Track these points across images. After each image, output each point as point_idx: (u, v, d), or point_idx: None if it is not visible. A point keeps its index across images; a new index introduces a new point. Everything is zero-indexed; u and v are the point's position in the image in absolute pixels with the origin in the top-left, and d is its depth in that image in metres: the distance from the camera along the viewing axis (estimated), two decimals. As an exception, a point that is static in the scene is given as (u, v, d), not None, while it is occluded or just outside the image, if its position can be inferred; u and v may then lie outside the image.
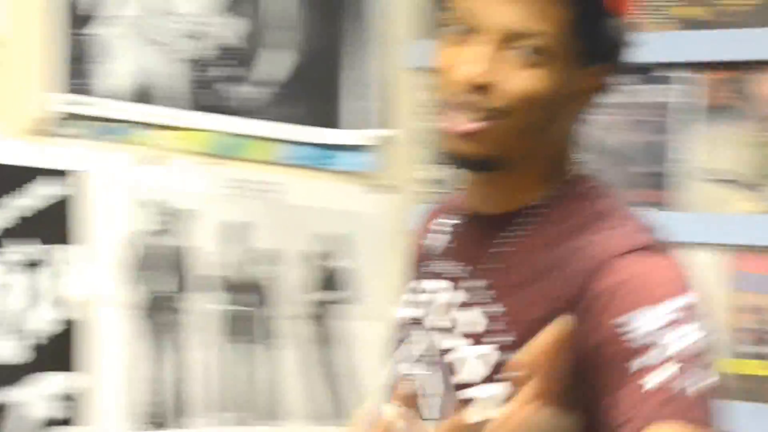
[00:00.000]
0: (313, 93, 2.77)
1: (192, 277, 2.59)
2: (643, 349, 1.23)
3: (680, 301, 1.26)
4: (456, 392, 1.38)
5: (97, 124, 2.52)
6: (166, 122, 2.60)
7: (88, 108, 2.49)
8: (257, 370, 2.66)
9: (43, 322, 2.40)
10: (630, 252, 1.30)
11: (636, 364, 1.23)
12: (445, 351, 1.40)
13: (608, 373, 1.25)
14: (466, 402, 1.34)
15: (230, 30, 2.66)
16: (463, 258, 1.43)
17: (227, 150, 2.67)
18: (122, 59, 2.55)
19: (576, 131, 1.42)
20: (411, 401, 1.42)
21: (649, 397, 1.20)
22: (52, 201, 2.42)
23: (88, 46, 2.50)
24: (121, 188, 2.52)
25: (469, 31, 1.33)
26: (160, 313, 2.55)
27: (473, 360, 1.36)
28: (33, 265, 2.39)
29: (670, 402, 1.20)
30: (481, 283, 1.39)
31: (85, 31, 2.50)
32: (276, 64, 2.74)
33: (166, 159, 2.59)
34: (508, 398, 1.26)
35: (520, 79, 1.31)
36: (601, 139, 2.60)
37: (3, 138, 2.37)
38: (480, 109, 1.32)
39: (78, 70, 2.49)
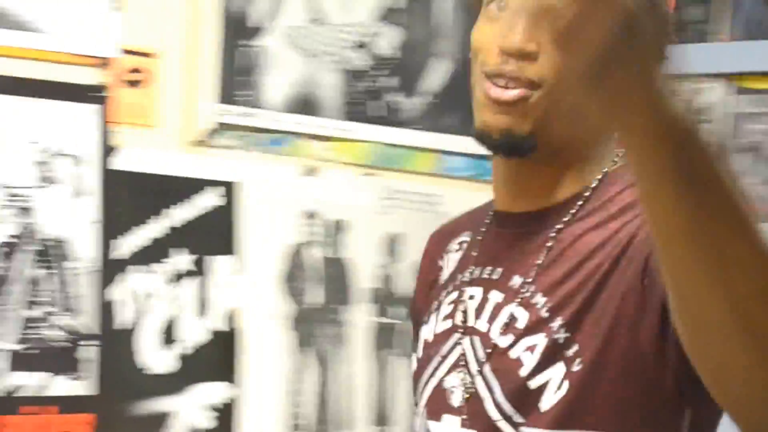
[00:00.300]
0: (470, 103, 2.73)
1: (346, 289, 2.59)
2: None
3: None
4: (506, 393, 1.34)
5: (257, 135, 2.53)
6: (324, 133, 2.60)
7: (248, 119, 2.51)
8: (401, 384, 2.65)
9: (200, 332, 2.42)
10: None
11: None
12: (490, 351, 1.36)
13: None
14: (528, 393, 1.31)
15: (387, 40, 2.65)
16: (493, 261, 1.41)
17: (384, 161, 2.66)
18: (282, 70, 2.55)
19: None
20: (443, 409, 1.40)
21: None
22: (211, 211, 2.44)
23: (248, 57, 2.51)
24: (278, 199, 2.53)
25: (503, 8, 1.32)
26: (313, 324, 2.56)
27: (523, 353, 1.33)
28: (191, 274, 2.42)
29: None
30: (518, 280, 1.36)
31: (246, 42, 2.51)
32: (433, 73, 2.71)
33: (323, 170, 2.59)
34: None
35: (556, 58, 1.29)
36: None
37: (166, 149, 2.40)
38: (523, 78, 1.30)
39: (239, 82, 2.50)
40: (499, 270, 1.39)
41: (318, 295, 2.57)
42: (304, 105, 2.58)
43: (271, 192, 2.52)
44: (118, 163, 2.35)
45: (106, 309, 2.33)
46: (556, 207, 1.37)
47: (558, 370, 1.30)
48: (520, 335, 1.33)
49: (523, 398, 1.31)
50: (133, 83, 2.39)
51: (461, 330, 1.40)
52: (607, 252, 1.30)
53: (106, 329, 2.31)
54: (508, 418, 1.32)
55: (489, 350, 1.35)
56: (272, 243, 2.52)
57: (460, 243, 1.50)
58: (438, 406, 1.40)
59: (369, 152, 2.65)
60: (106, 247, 2.33)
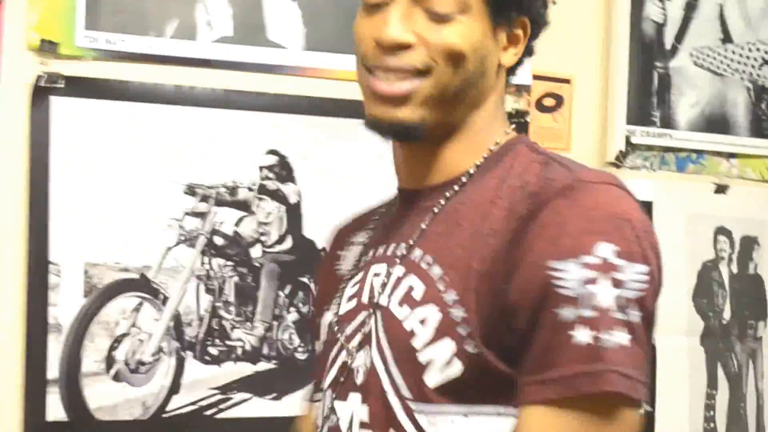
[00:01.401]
0: None
1: (757, 305, 2.58)
2: (575, 299, 1.19)
3: (612, 247, 1.20)
4: (398, 364, 1.30)
5: (666, 154, 2.57)
6: (733, 150, 2.61)
7: (659, 139, 2.55)
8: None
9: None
10: (568, 188, 1.23)
11: (566, 312, 1.19)
12: (387, 324, 1.33)
13: (535, 313, 1.21)
14: (416, 367, 1.28)
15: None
16: (396, 237, 1.38)
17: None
18: (691, 90, 2.59)
19: (504, 102, 1.40)
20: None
21: (576, 350, 1.18)
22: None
23: (658, 78, 2.56)
24: (689, 217, 2.56)
25: (379, 2, 1.32)
26: (724, 340, 2.56)
27: (416, 325, 1.29)
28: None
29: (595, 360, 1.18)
30: (418, 252, 1.33)
31: (656, 64, 2.56)
32: None
33: (733, 187, 2.60)
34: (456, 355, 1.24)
35: (439, 35, 1.29)
36: None
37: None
38: (405, 70, 1.30)
39: (649, 103, 2.55)
40: (402, 245, 1.36)
41: (727, 312, 2.58)
42: (713, 123, 2.60)
43: (682, 210, 2.56)
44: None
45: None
46: (451, 180, 1.36)
47: (447, 345, 1.27)
48: (415, 306, 1.30)
49: (414, 371, 1.28)
50: (548, 108, 2.49)
51: (369, 309, 1.37)
52: (485, 213, 1.30)
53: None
54: (397, 391, 1.30)
55: (388, 324, 1.33)
56: (683, 260, 2.55)
57: (368, 232, 1.51)
58: (345, 385, 1.37)
59: (777, 168, 2.64)
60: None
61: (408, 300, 1.31)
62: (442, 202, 1.35)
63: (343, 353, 1.38)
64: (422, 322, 1.28)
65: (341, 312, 1.42)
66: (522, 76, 2.44)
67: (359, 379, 1.35)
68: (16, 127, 2.10)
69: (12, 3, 2.09)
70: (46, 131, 2.10)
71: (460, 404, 1.27)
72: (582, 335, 1.18)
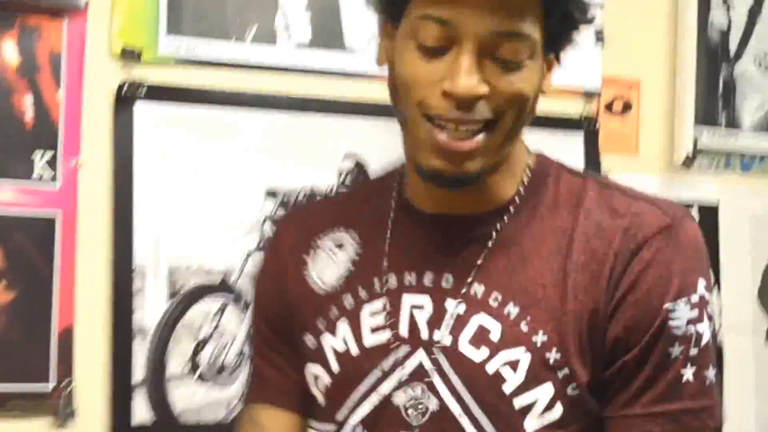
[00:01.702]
0: None
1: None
2: (685, 338, 1.23)
3: (704, 282, 1.26)
4: (485, 410, 1.25)
5: (733, 156, 2.59)
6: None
7: (725, 141, 2.57)
8: None
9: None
10: (666, 228, 1.26)
11: (676, 351, 1.23)
12: (460, 366, 1.26)
13: (645, 352, 1.24)
14: (511, 413, 1.25)
15: None
16: (432, 265, 1.30)
17: None
18: (756, 93, 2.61)
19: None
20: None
21: (684, 387, 1.23)
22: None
23: (724, 81, 2.58)
24: (755, 218, 2.58)
25: (442, 41, 1.22)
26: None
27: (504, 369, 1.25)
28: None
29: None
30: (480, 289, 1.28)
31: (722, 67, 2.58)
32: None
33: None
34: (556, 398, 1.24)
35: (509, 84, 1.22)
36: None
37: (648, 174, 2.50)
38: (477, 121, 1.22)
39: (715, 106, 2.57)
40: (448, 276, 1.29)
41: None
42: (777, 126, 2.62)
43: (747, 211, 2.57)
44: (605, 188, 2.47)
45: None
46: (495, 210, 1.31)
47: (546, 390, 1.25)
48: (497, 348, 1.25)
49: (506, 417, 1.25)
50: (616, 112, 2.51)
51: (416, 345, 1.29)
52: (560, 248, 1.27)
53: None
54: None
55: (459, 365, 1.26)
56: (749, 261, 2.57)
57: (339, 244, 1.40)
58: (387, 422, 1.29)
59: None
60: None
61: (484, 341, 1.26)
62: (494, 234, 1.30)
63: (383, 387, 1.30)
64: (511, 365, 1.25)
65: (367, 344, 1.32)
66: (591, 81, 2.47)
67: (415, 420, 1.28)
68: (100, 133, 2.12)
69: (95, 11, 2.11)
70: (129, 137, 2.12)
71: None
72: (689, 372, 1.24)
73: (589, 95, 2.47)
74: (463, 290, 1.28)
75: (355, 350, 1.33)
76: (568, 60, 2.41)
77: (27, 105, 2.09)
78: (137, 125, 2.13)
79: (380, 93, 2.38)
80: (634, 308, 1.24)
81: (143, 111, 2.13)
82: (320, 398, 1.37)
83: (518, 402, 1.25)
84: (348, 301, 1.35)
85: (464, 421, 1.26)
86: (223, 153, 2.18)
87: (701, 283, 1.25)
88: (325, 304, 1.37)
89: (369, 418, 1.31)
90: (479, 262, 1.29)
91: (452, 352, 1.27)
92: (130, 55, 2.13)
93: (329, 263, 1.39)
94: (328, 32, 2.26)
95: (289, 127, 2.22)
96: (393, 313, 1.31)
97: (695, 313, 1.24)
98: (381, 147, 2.29)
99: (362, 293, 1.35)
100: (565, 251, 1.27)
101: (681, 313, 1.23)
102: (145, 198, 2.13)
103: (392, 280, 1.33)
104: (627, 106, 2.51)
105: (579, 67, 2.46)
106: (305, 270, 1.40)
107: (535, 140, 2.36)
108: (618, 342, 1.25)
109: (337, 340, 1.34)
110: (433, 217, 1.33)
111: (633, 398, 1.25)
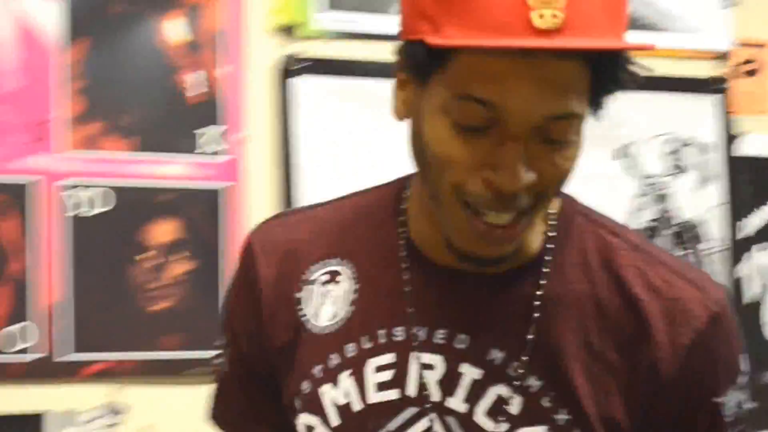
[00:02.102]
0: None
1: None
2: (734, 421, 1.20)
3: (744, 356, 1.22)
4: None
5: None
6: None
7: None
8: None
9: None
10: (713, 319, 1.18)
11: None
12: None
13: None
14: None
15: None
16: (444, 322, 1.19)
17: None
18: None
19: None
20: None
21: None
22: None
23: None
24: None
25: (484, 122, 1.07)
26: None
27: None
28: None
29: None
30: (499, 355, 1.18)
31: None
32: None
33: None
34: None
35: (554, 164, 1.09)
36: None
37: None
38: (519, 207, 1.10)
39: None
40: (464, 337, 1.18)
41: None
42: None
43: None
44: (739, 149, 2.52)
45: (736, 285, 2.50)
46: (524, 268, 1.19)
47: None
48: (516, 423, 1.17)
49: None
50: (749, 73, 2.55)
51: (423, 406, 1.19)
52: (589, 318, 1.18)
53: (737, 304, 2.47)
54: None
55: None
56: None
57: (332, 277, 1.25)
58: None
59: None
60: (732, 228, 2.51)
61: (502, 413, 1.17)
62: (519, 295, 1.18)
63: None
64: None
65: (371, 401, 1.21)
66: (722, 42, 2.51)
67: None
68: (263, 108, 2.16)
69: (254, -13, 2.16)
70: (292, 110, 2.17)
71: None
72: None
73: (719, 57, 2.51)
74: (482, 355, 1.18)
75: (357, 406, 1.21)
76: (700, 23, 2.49)
77: (192, 82, 2.14)
78: (299, 99, 2.17)
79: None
80: (682, 403, 1.18)
81: (305, 84, 2.17)
82: None
83: None
84: (350, 350, 1.22)
85: None
86: (383, 124, 2.22)
87: (743, 361, 1.21)
88: (322, 349, 1.23)
89: None
90: (503, 326, 1.18)
91: (467, 422, 1.18)
92: (289, 31, 2.17)
93: (324, 301, 1.25)
94: None
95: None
96: (399, 371, 1.20)
97: (743, 393, 1.21)
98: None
99: (366, 344, 1.22)
100: (594, 325, 1.18)
101: (731, 401, 1.20)
102: (308, 169, 2.17)
103: (399, 334, 1.20)
104: (760, 68, 2.55)
105: (709, 30, 2.50)
106: (297, 311, 1.25)
107: (665, 102, 2.47)
108: (661, 428, 1.19)
109: (338, 392, 1.22)
110: (449, 271, 1.19)
111: None
